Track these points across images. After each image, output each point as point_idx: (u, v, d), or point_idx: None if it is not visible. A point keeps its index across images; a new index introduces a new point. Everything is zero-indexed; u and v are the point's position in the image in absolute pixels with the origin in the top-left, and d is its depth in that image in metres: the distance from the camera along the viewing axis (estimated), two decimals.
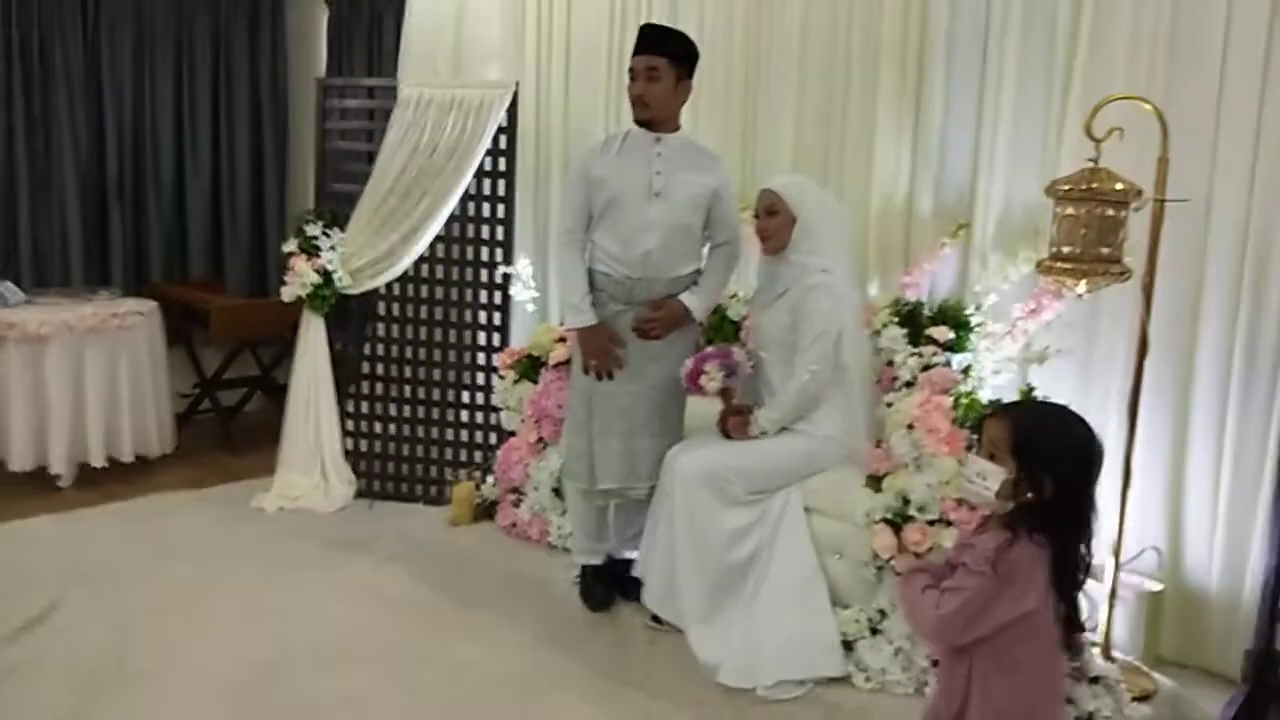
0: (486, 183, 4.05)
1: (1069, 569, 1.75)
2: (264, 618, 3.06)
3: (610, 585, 3.01)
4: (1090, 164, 2.49)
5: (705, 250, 2.98)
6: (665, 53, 2.75)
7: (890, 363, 3.06)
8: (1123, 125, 2.48)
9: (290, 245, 4.07)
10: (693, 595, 2.68)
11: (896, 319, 3.15)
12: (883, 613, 2.60)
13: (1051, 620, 1.76)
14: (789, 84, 3.60)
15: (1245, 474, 2.71)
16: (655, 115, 2.78)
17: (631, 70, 2.79)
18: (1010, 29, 3.09)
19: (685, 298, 2.85)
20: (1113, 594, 2.64)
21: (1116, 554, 2.62)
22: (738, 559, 2.70)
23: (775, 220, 2.78)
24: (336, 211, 4.13)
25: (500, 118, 3.95)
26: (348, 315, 4.20)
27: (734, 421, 2.80)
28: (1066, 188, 2.51)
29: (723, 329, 3.46)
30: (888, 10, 3.31)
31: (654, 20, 3.78)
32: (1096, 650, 2.53)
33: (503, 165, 4.03)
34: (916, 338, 3.09)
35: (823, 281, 2.70)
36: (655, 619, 2.82)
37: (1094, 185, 2.46)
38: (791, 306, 2.74)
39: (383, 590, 3.36)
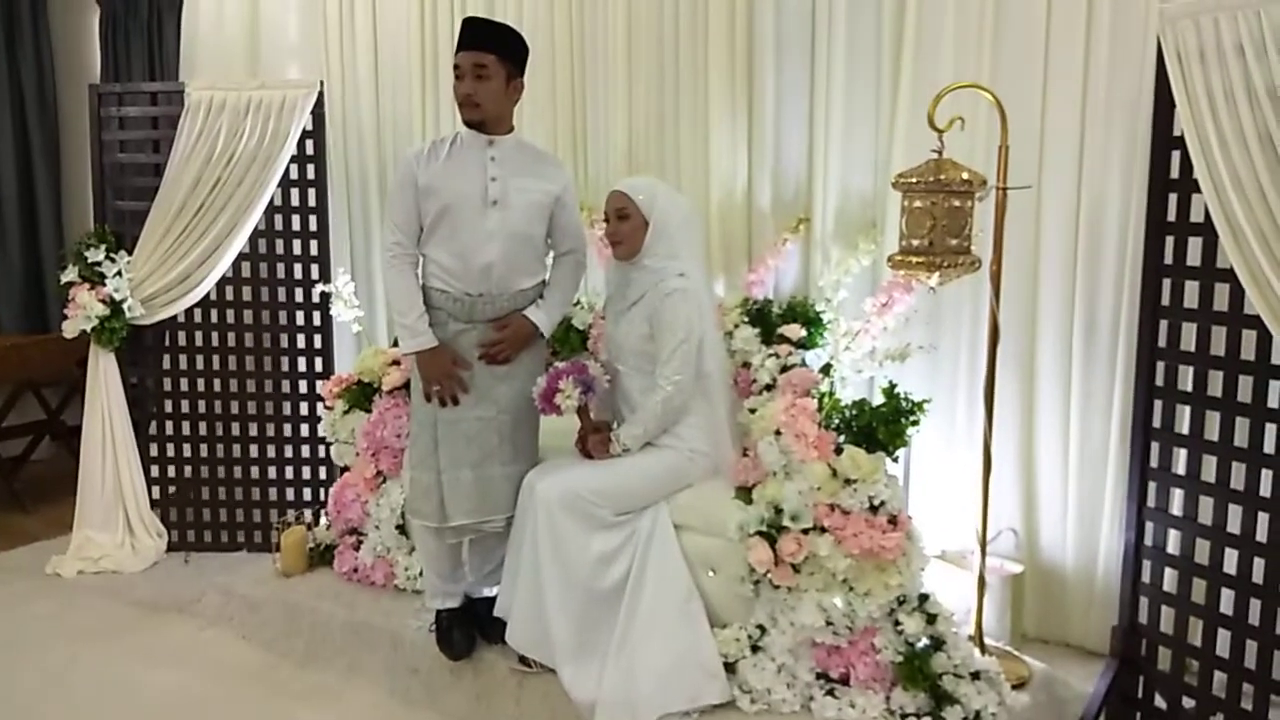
0: (295, 192, 3.71)
1: None
2: (74, 701, 2.71)
3: (470, 628, 2.76)
4: (935, 155, 2.46)
5: (549, 260, 2.78)
6: (494, 49, 2.52)
7: (746, 365, 2.98)
8: (955, 114, 2.47)
9: (70, 274, 3.63)
10: (562, 630, 2.48)
11: (747, 319, 3.08)
12: (762, 628, 2.49)
13: None
14: (617, 81, 3.45)
15: (1091, 451, 2.78)
16: (487, 116, 2.55)
17: (457, 68, 2.54)
18: (836, 20, 3.07)
19: (532, 313, 2.65)
20: (981, 580, 2.64)
21: (982, 542, 2.63)
22: (607, 586, 2.53)
23: (627, 224, 2.62)
24: (122, 233, 3.70)
25: (305, 120, 3.64)
26: (143, 348, 3.76)
27: (594, 440, 2.62)
28: (914, 180, 2.47)
29: (569, 339, 3.28)
30: (713, 2, 3.21)
31: (469, 12, 3.57)
32: (972, 643, 2.53)
33: (311, 172, 3.70)
34: (769, 337, 3.03)
35: (680, 286, 2.56)
36: (523, 660, 2.60)
37: (941, 176, 2.43)
38: (648, 315, 2.58)
39: (209, 655, 3.06)
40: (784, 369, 2.88)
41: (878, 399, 2.58)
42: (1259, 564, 2.33)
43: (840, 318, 3.04)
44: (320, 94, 3.66)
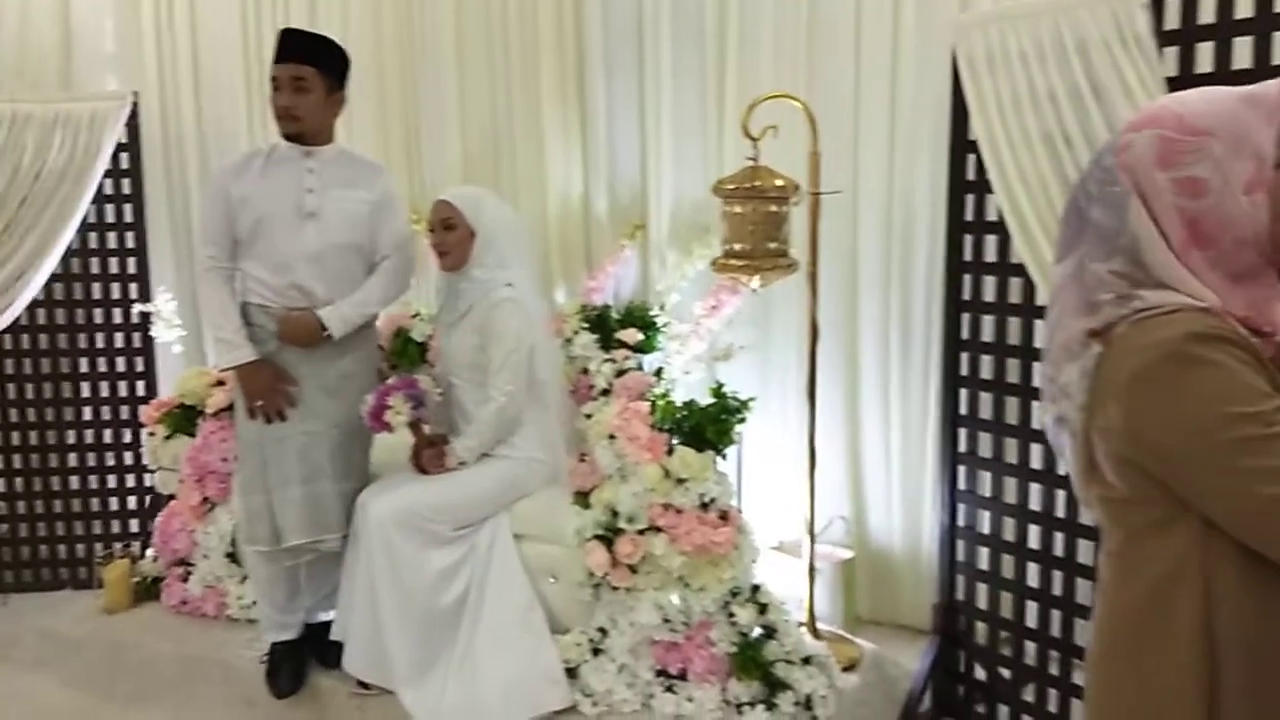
0: (110, 209, 3.53)
1: None
2: None
3: (302, 663, 2.67)
4: (750, 162, 2.55)
5: None
6: (313, 61, 2.47)
7: (585, 371, 3.00)
8: (776, 122, 2.56)
9: None
10: (401, 652, 2.43)
11: (587, 325, 3.11)
12: (603, 631, 2.52)
13: None
14: (449, 91, 3.43)
15: (912, 439, 2.92)
16: (306, 129, 2.50)
17: (275, 80, 2.48)
18: (662, 28, 3.13)
19: (321, 310, 2.53)
20: (811, 568, 2.74)
21: (811, 530, 2.72)
22: (447, 602, 2.50)
23: (453, 235, 2.60)
24: None
25: (119, 133, 3.46)
26: None
27: (429, 455, 2.59)
28: (731, 187, 2.55)
29: (407, 352, 3.22)
30: (541, 7, 3.23)
31: (291, 20, 3.48)
32: (803, 628, 2.62)
33: (128, 187, 3.53)
34: (608, 343, 3.06)
35: (509, 296, 2.56)
36: (361, 684, 2.54)
37: (756, 183, 2.51)
38: (478, 326, 2.57)
39: (30, 702, 2.88)
40: (620, 373, 2.92)
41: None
42: (1059, 538, 2.49)
43: (674, 321, 3.10)
44: (135, 106, 3.49)
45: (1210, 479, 1.07)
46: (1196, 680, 1.11)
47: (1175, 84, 2.15)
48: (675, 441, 2.55)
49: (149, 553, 3.23)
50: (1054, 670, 2.53)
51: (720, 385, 2.59)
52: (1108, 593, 1.26)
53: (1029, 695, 2.58)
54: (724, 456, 2.56)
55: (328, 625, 2.66)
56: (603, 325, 3.12)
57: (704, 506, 2.44)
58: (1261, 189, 1.08)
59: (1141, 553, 1.17)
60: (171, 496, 3.14)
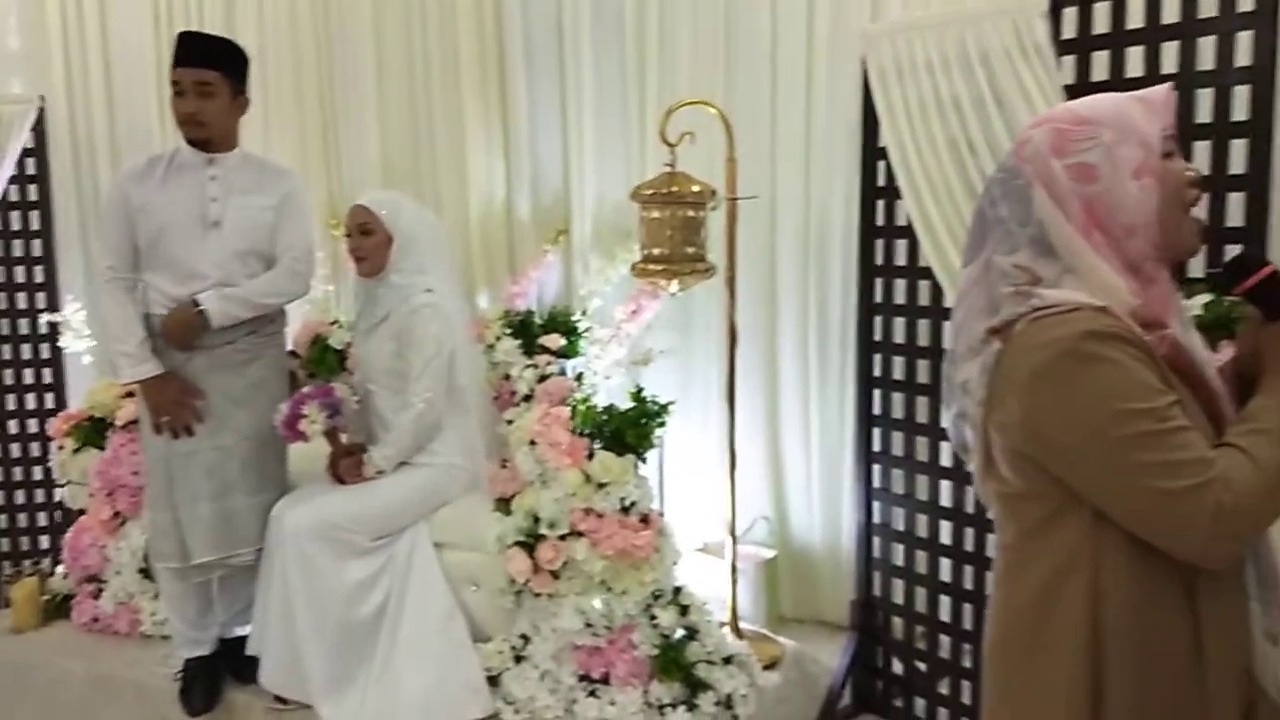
0: (15, 217, 3.43)
1: None
2: None
3: (217, 679, 2.61)
4: (668, 168, 2.57)
5: None
6: (217, 65, 2.42)
7: (507, 376, 3.00)
8: (694, 128, 2.58)
9: None
10: (318, 665, 2.40)
11: (510, 331, 3.10)
12: (525, 638, 2.51)
13: None
14: (368, 93, 3.40)
15: (830, 439, 2.98)
16: (213, 135, 2.44)
17: (176, 84, 2.42)
18: (582, 31, 3.14)
19: (202, 296, 2.43)
20: (734, 568, 2.77)
21: (733, 531, 2.75)
22: (365, 613, 2.47)
23: (371, 240, 2.56)
24: None
25: (25, 138, 3.36)
26: None
27: (346, 464, 2.55)
28: (649, 192, 2.57)
29: (325, 360, 3.17)
30: (461, 11, 3.22)
31: (206, 22, 3.41)
32: (726, 628, 2.64)
33: (35, 194, 3.43)
34: (530, 348, 3.06)
35: (428, 302, 2.54)
36: (279, 699, 2.50)
37: (673, 189, 2.54)
38: (396, 332, 2.55)
39: None
40: (542, 379, 2.92)
41: None
42: (970, 533, 2.56)
43: (596, 325, 3.11)
44: (41, 110, 3.40)
45: (1106, 474, 1.11)
46: (1085, 671, 1.16)
47: (1072, 91, 2.24)
48: (596, 446, 2.56)
49: (59, 569, 3.14)
50: (967, 663, 2.59)
51: (640, 389, 2.61)
52: (1002, 587, 1.30)
53: (944, 688, 2.65)
54: (644, 460, 2.57)
55: (243, 640, 2.61)
56: (526, 331, 3.11)
57: (625, 510, 2.44)
58: (1150, 175, 1.15)
59: (1034, 547, 1.22)
60: (81, 511, 3.05)
